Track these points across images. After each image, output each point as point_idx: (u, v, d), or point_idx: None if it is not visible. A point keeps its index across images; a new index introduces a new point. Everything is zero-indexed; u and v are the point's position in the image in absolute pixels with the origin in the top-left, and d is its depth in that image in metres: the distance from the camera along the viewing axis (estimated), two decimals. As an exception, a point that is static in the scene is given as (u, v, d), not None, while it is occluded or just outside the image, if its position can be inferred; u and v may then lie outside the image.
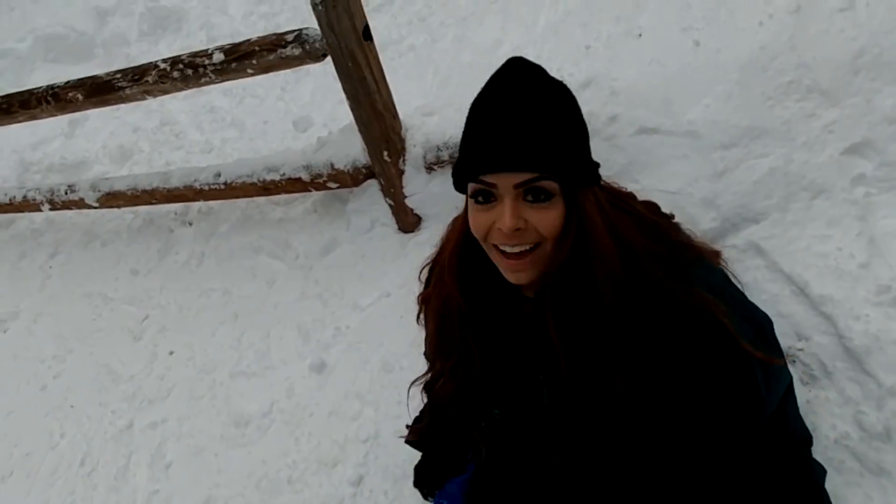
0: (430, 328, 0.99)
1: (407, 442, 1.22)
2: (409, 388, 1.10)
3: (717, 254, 0.94)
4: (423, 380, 1.07)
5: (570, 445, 0.91)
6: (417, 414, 1.21)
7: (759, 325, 0.90)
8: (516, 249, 0.78)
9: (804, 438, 0.92)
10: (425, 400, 1.14)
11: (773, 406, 0.88)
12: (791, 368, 1.34)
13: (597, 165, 0.83)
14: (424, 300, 1.04)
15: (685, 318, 0.79)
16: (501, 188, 0.76)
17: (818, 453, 1.21)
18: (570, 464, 0.93)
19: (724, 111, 1.58)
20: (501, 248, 0.80)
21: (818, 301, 1.36)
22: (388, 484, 1.45)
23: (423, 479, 1.23)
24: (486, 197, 0.78)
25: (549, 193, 0.76)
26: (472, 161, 0.78)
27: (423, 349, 1.14)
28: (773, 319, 1.35)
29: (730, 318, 0.80)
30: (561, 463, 0.93)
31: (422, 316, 1.08)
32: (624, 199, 0.91)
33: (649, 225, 0.88)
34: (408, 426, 1.19)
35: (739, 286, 0.96)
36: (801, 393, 1.25)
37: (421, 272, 1.09)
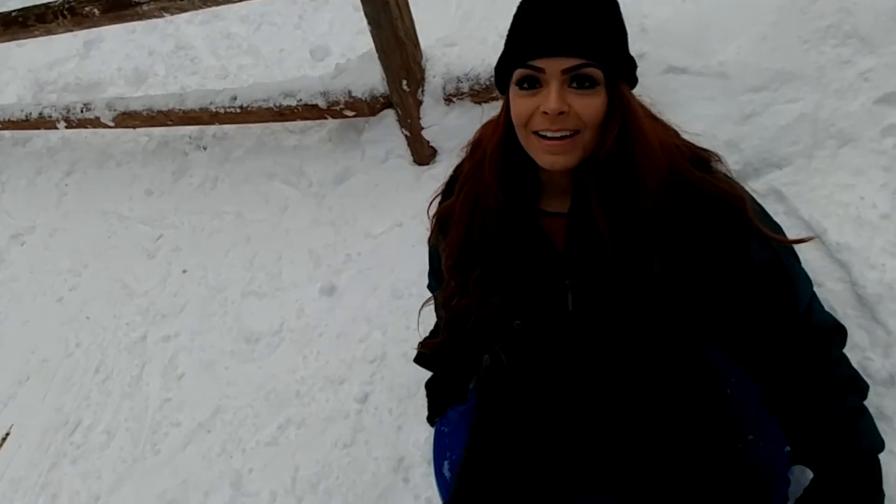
0: (455, 236, 0.98)
1: (416, 359, 1.24)
2: (421, 309, 1.12)
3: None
4: (441, 294, 1.07)
5: (594, 354, 0.93)
6: (430, 331, 1.23)
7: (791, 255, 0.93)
8: (557, 134, 0.79)
9: (833, 326, 0.93)
10: (440, 317, 1.15)
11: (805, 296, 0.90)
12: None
13: (635, 66, 0.84)
14: (443, 214, 1.03)
15: (717, 205, 0.83)
16: (549, 73, 0.77)
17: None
18: (595, 372, 0.95)
19: (756, 53, 1.54)
20: (542, 132, 0.80)
21: (835, 248, 1.35)
22: (392, 402, 1.49)
23: (431, 398, 1.26)
24: (531, 83, 0.79)
25: (593, 81, 0.77)
26: (522, 46, 0.79)
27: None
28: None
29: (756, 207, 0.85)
30: (586, 371, 0.95)
31: (431, 237, 1.08)
32: (656, 117, 0.91)
33: (677, 140, 0.89)
34: (420, 342, 1.21)
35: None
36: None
37: (430, 204, 1.07)
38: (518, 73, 0.80)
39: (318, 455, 1.50)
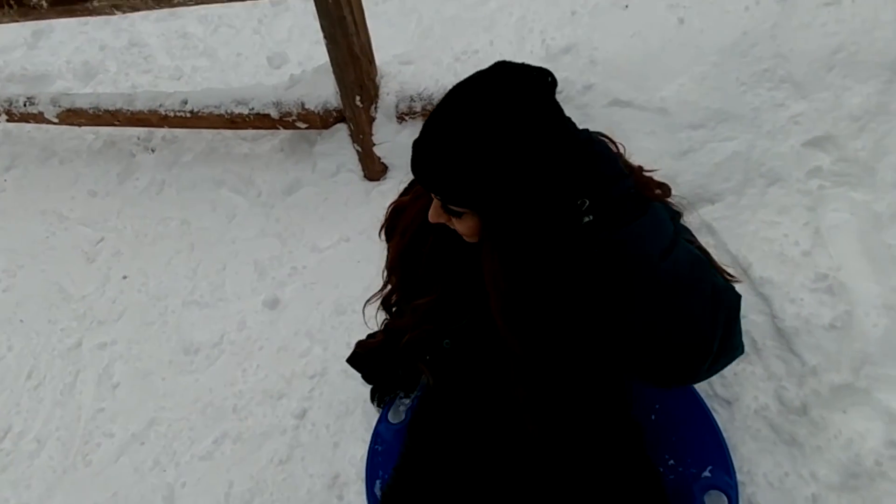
0: (398, 240, 1.02)
1: (350, 359, 1.25)
2: (365, 306, 1.13)
3: (669, 191, 0.93)
4: (378, 297, 1.11)
5: (524, 373, 0.95)
6: (368, 334, 1.24)
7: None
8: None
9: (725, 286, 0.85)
10: (382, 318, 1.17)
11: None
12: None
13: (520, 198, 0.78)
14: (398, 209, 1.06)
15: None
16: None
17: (738, 421, 1.29)
18: (522, 391, 0.97)
19: (696, 92, 1.61)
20: None
21: (758, 282, 1.42)
22: (330, 419, 1.48)
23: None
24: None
25: (457, 212, 0.82)
26: (411, 160, 0.82)
27: (377, 295, 1.15)
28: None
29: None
30: (514, 391, 0.97)
31: (383, 231, 1.10)
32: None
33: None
34: (358, 342, 1.23)
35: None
36: (730, 366, 1.31)
37: (388, 212, 1.10)
38: None
39: (253, 470, 1.48)
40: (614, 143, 0.87)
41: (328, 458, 1.46)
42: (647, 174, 0.92)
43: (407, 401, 1.35)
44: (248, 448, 1.52)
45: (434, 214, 0.83)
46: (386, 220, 1.08)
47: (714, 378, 1.31)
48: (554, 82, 0.76)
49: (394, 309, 1.14)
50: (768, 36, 1.63)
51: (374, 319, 1.16)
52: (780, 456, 1.24)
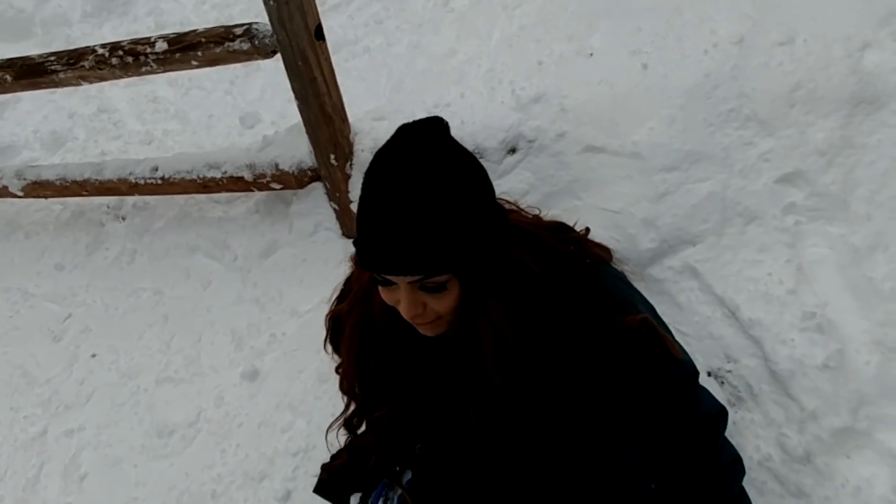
0: (347, 346, 0.96)
1: (317, 489, 1.17)
2: (327, 433, 1.08)
3: (609, 253, 1.00)
4: (340, 420, 1.05)
5: (501, 469, 0.91)
6: (333, 453, 1.16)
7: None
8: (418, 323, 0.81)
9: (718, 409, 0.96)
10: (343, 438, 1.10)
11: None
12: (719, 389, 1.38)
13: (489, 248, 0.80)
14: (336, 318, 1.00)
15: (622, 343, 0.84)
16: (397, 281, 0.78)
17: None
18: (501, 488, 0.92)
19: (667, 134, 1.62)
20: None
21: (747, 324, 1.40)
22: (317, 501, 1.39)
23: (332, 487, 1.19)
24: (384, 282, 0.80)
25: (441, 284, 0.78)
26: (365, 257, 0.78)
27: (338, 420, 1.09)
28: (704, 341, 1.38)
29: (654, 322, 0.87)
30: (493, 488, 0.92)
31: (328, 342, 1.05)
32: (528, 228, 0.91)
33: (551, 252, 0.89)
34: (323, 466, 1.15)
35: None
36: (729, 414, 1.28)
37: (333, 298, 1.06)
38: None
39: (236, 562, 1.39)
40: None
41: (316, 543, 1.36)
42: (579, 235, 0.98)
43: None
44: (229, 536, 1.42)
45: (411, 305, 0.77)
46: (328, 330, 1.05)
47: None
48: (447, 125, 0.81)
49: (357, 429, 1.08)
50: (729, 77, 1.67)
51: (338, 442, 1.11)
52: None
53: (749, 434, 1.28)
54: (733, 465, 0.96)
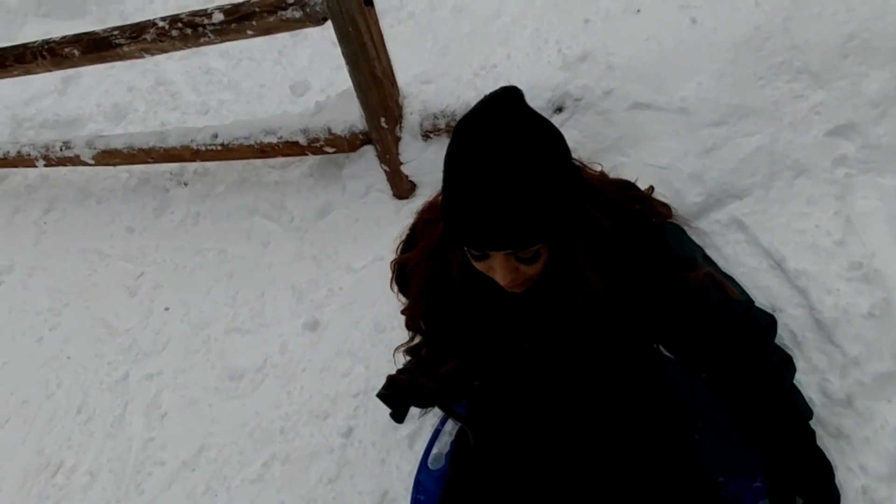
0: (415, 295, 1.01)
1: (380, 394, 1.26)
2: (395, 353, 1.15)
3: (671, 210, 1.03)
4: (406, 346, 1.13)
5: (555, 411, 0.99)
6: (399, 369, 1.25)
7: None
8: (510, 288, 0.86)
9: (769, 319, 1.06)
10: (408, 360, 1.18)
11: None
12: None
13: (577, 206, 0.84)
14: (402, 265, 1.05)
15: (688, 297, 0.92)
16: (492, 254, 0.81)
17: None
18: (556, 429, 1.00)
19: (715, 89, 1.63)
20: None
21: (793, 275, 1.41)
22: (376, 436, 1.51)
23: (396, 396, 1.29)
24: (476, 256, 0.83)
25: (535, 253, 0.81)
26: (459, 234, 0.80)
27: (404, 345, 1.16)
28: (749, 291, 1.42)
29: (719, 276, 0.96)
30: (547, 428, 1.00)
31: (394, 284, 1.10)
32: (602, 188, 0.94)
33: (624, 212, 0.93)
34: (388, 377, 1.24)
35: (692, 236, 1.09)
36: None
37: (398, 245, 1.10)
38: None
39: (303, 491, 1.52)
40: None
41: (376, 474, 1.48)
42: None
43: (446, 446, 1.36)
44: (297, 469, 1.56)
45: (506, 274, 0.80)
46: (394, 274, 1.09)
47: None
48: (522, 93, 0.83)
49: (421, 356, 1.13)
50: (781, 29, 1.65)
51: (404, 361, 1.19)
52: (830, 450, 1.24)
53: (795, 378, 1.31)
54: (784, 363, 1.04)
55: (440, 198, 0.91)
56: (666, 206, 1.03)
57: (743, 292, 1.04)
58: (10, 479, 1.88)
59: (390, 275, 1.10)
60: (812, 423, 1.22)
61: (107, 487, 1.75)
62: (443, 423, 1.42)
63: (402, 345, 1.14)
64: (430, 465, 1.36)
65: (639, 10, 1.80)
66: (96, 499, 1.74)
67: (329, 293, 1.87)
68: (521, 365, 0.98)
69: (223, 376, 1.81)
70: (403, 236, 1.09)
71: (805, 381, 1.33)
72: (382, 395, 1.24)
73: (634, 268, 0.89)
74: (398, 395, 1.22)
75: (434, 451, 1.38)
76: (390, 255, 1.86)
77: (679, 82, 1.65)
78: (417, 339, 1.10)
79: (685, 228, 1.05)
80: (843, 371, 1.28)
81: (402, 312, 1.09)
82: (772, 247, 1.46)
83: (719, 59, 1.64)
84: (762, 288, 1.46)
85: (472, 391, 1.06)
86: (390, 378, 1.25)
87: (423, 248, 0.97)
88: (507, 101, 0.77)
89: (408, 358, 1.16)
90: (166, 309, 2.10)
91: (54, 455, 1.89)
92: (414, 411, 1.48)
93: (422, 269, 0.97)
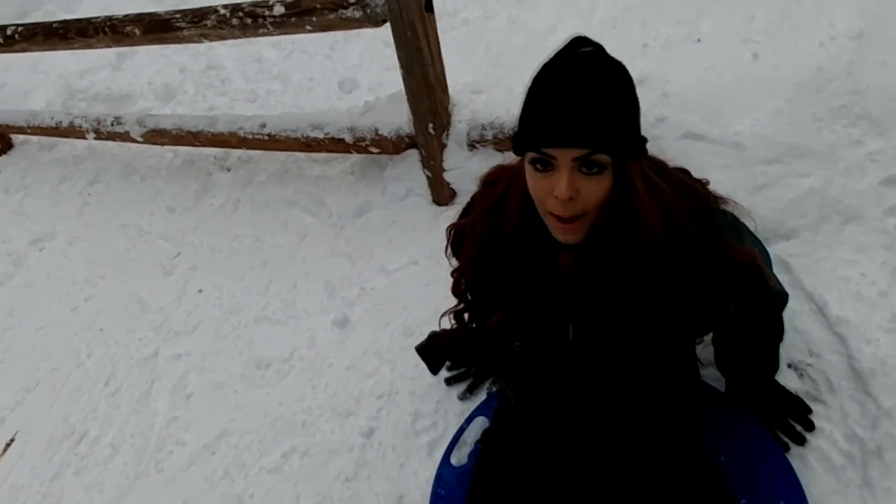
0: (468, 253, 1.05)
1: (420, 348, 1.34)
2: (440, 318, 1.20)
3: (725, 201, 1.05)
4: (452, 309, 1.16)
5: (590, 380, 1.02)
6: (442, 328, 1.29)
7: (766, 257, 1.16)
8: (567, 214, 0.86)
9: (783, 300, 1.19)
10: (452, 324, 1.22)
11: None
12: (798, 381, 1.40)
13: (645, 140, 0.90)
14: (458, 229, 1.10)
15: (731, 270, 0.96)
16: (560, 160, 0.83)
17: (810, 462, 1.26)
18: (589, 399, 1.02)
19: (771, 127, 1.61)
20: (555, 214, 0.88)
21: (834, 321, 1.40)
22: (397, 439, 1.52)
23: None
24: (543, 165, 0.85)
25: (602, 166, 0.83)
26: (534, 134, 0.84)
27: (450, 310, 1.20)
28: (788, 334, 1.42)
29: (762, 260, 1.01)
30: (580, 397, 1.03)
31: (448, 249, 1.15)
32: (663, 167, 0.98)
33: (684, 187, 0.96)
34: (430, 333, 1.30)
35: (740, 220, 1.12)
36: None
37: (450, 231, 1.14)
38: (530, 154, 0.86)
39: (320, 486, 1.53)
40: None
41: (393, 478, 1.49)
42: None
43: (469, 445, 1.38)
44: (315, 463, 1.57)
45: (569, 186, 0.82)
46: (450, 240, 1.15)
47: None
48: None
49: (464, 322, 1.19)
50: (844, 72, 1.63)
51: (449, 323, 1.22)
52: (851, 498, 1.21)
53: (822, 425, 1.29)
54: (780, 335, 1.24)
55: (501, 166, 1.05)
56: (723, 199, 1.05)
57: (779, 284, 1.16)
58: (34, 444, 1.93)
59: (445, 242, 1.14)
60: (839, 470, 1.23)
61: (127, 462, 1.78)
62: (468, 421, 1.44)
63: (448, 310, 1.17)
64: (452, 462, 1.38)
65: (699, 40, 1.79)
66: (116, 472, 1.77)
67: (361, 292, 1.88)
68: (562, 333, 1.01)
69: (250, 364, 1.84)
70: (464, 205, 1.14)
71: (835, 429, 1.31)
72: (421, 348, 1.28)
73: (686, 235, 0.91)
74: (438, 350, 1.29)
75: (457, 447, 1.40)
76: (425, 260, 1.91)
77: (735, 116, 1.64)
78: (461, 307, 1.14)
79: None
80: (875, 422, 1.26)
81: (452, 274, 1.13)
82: (815, 291, 1.44)
83: (778, 97, 1.62)
84: (802, 331, 1.44)
85: (512, 353, 1.07)
86: (433, 333, 1.29)
87: (479, 210, 1.04)
88: (589, 41, 0.85)
89: (452, 322, 1.20)
90: (200, 291, 2.14)
91: (79, 424, 1.93)
92: (431, 419, 1.51)
93: (478, 228, 1.02)
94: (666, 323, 0.94)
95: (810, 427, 1.27)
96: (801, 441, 1.26)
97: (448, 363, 1.50)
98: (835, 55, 1.64)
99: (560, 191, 0.82)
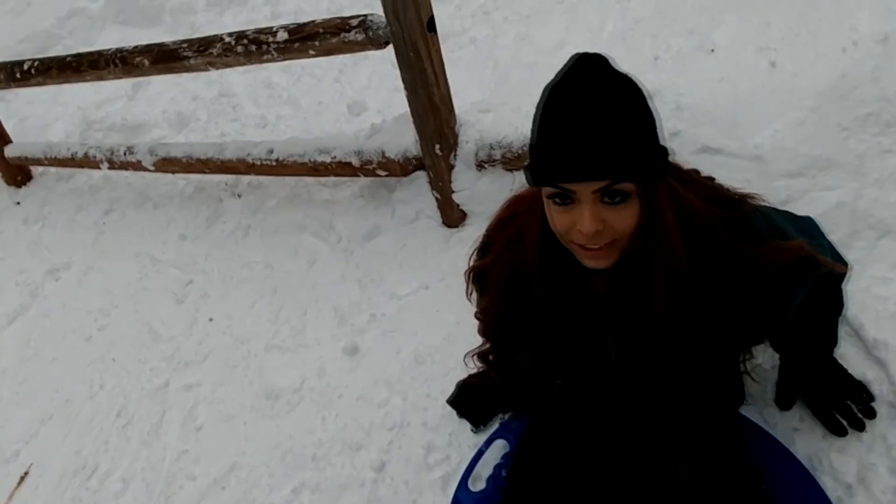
0: (493, 301, 1.01)
1: (453, 403, 1.29)
2: (465, 357, 1.15)
3: (753, 197, 0.99)
4: (478, 350, 1.12)
5: (638, 409, 0.97)
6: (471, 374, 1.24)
7: (812, 230, 1.07)
8: (597, 246, 0.82)
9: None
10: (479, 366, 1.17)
11: None
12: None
13: (667, 153, 0.84)
14: (480, 270, 1.05)
15: (776, 271, 0.89)
16: (580, 193, 0.78)
17: (857, 496, 1.18)
18: (637, 427, 0.97)
19: (793, 138, 1.53)
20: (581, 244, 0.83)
21: (872, 345, 1.31)
22: (409, 474, 1.46)
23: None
24: (563, 198, 0.80)
25: (625, 194, 0.78)
26: (549, 169, 0.79)
27: (456, 344, 1.16)
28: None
29: (811, 248, 0.92)
30: (629, 426, 0.98)
31: (472, 289, 1.10)
32: (691, 176, 0.94)
33: (714, 195, 0.92)
34: (458, 383, 1.25)
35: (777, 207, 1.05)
36: (841, 439, 1.22)
37: (471, 256, 1.10)
38: (549, 190, 0.81)
39: (331, 523, 1.48)
40: None
41: (407, 514, 1.43)
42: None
43: (488, 469, 1.32)
44: (326, 499, 1.52)
45: (593, 219, 0.78)
46: (468, 283, 1.09)
47: (826, 446, 1.23)
48: None
49: (491, 360, 1.14)
50: (870, 78, 1.55)
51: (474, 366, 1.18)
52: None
53: (860, 454, 1.20)
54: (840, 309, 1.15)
55: (515, 198, 1.01)
56: (750, 194, 0.99)
57: (838, 256, 1.07)
58: (47, 477, 1.92)
59: (465, 285, 1.09)
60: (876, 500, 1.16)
61: (138, 497, 1.75)
62: (486, 444, 1.38)
63: (472, 350, 1.12)
64: (469, 486, 1.33)
65: (713, 50, 1.73)
66: (126, 506, 1.74)
67: (371, 318, 1.84)
68: (604, 363, 0.96)
69: (260, 394, 1.80)
70: (478, 244, 1.09)
71: (876, 458, 1.22)
72: (454, 403, 1.23)
73: (723, 244, 0.86)
74: (471, 401, 1.23)
75: (475, 471, 1.35)
76: (436, 283, 1.86)
77: (754, 128, 1.56)
78: (488, 347, 1.09)
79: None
80: (921, 454, 1.17)
81: (477, 316, 1.09)
82: (850, 312, 1.36)
83: (800, 107, 1.55)
84: (838, 356, 1.35)
85: (553, 392, 1.03)
86: (461, 384, 1.24)
87: (498, 246, 0.99)
88: (599, 57, 0.79)
89: (479, 365, 1.15)
90: (210, 320, 2.12)
91: (91, 457, 1.91)
92: (444, 453, 1.46)
93: (499, 265, 0.98)
94: (712, 339, 0.89)
95: (871, 415, 1.21)
96: (861, 427, 1.20)
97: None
98: (859, 61, 1.56)
99: (584, 225, 0.78)
